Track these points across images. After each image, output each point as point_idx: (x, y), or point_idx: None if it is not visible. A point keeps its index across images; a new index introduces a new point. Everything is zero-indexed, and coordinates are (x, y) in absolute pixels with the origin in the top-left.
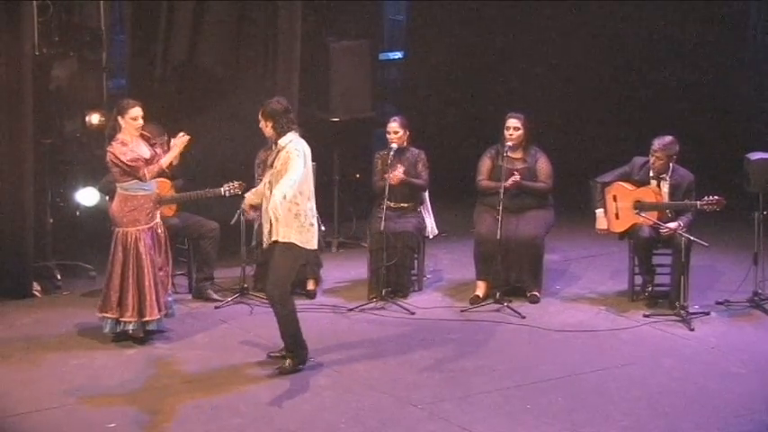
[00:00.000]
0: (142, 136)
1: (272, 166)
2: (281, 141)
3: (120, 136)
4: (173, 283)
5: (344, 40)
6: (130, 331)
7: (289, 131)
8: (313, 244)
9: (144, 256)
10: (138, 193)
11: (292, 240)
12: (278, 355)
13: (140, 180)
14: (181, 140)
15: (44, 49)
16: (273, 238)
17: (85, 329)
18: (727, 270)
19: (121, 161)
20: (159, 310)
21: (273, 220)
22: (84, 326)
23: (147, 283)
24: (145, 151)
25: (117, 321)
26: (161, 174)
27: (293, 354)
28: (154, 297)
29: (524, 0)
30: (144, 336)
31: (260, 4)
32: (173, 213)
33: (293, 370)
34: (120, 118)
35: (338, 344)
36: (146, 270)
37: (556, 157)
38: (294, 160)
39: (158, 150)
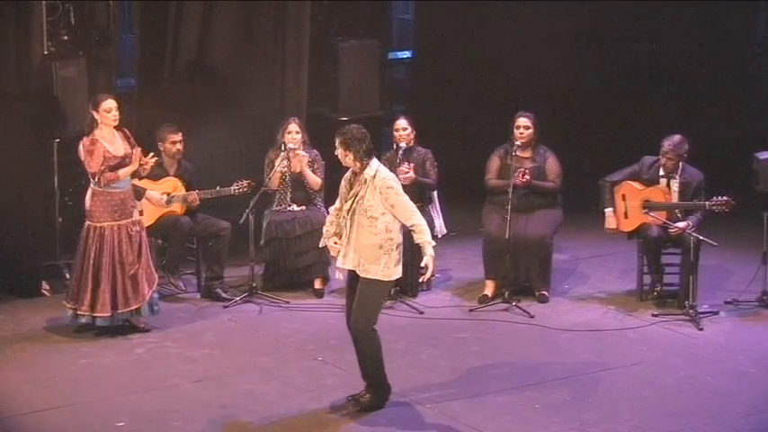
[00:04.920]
0: (122, 132)
1: (355, 195)
2: (368, 173)
3: (96, 132)
4: (180, 281)
5: (353, 39)
6: (90, 323)
7: (371, 160)
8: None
9: (106, 253)
10: (105, 189)
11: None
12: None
13: (96, 184)
14: (144, 160)
15: (53, 48)
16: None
17: (94, 328)
18: (736, 270)
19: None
20: (113, 308)
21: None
22: (93, 325)
23: (103, 280)
24: (119, 148)
25: (75, 313)
26: (119, 180)
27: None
28: (107, 294)
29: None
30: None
31: (268, 3)
32: (182, 211)
33: (370, 407)
34: (95, 113)
35: (346, 343)
36: (105, 266)
37: (564, 156)
38: (400, 198)
39: (135, 151)
